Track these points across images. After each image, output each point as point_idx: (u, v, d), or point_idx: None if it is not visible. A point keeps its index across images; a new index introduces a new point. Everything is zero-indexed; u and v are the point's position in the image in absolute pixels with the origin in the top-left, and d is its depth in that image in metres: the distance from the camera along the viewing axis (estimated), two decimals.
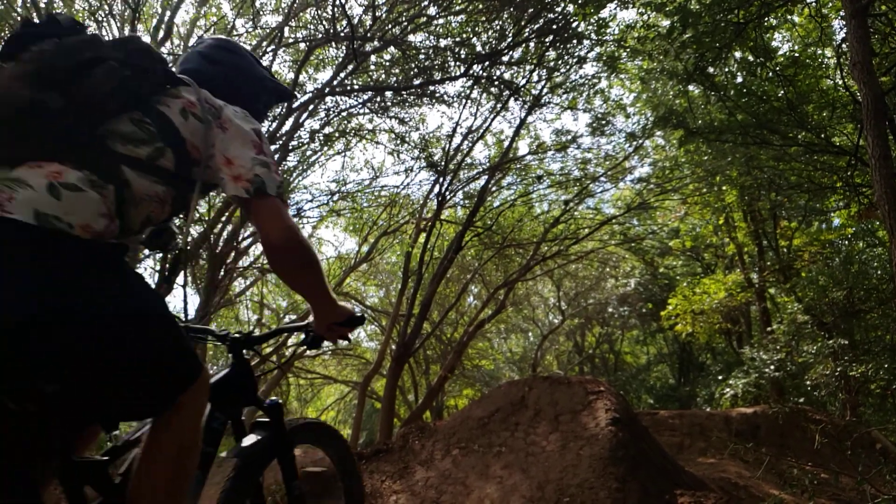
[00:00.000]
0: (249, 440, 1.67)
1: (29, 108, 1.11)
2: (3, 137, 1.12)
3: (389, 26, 9.24)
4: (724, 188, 10.83)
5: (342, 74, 9.62)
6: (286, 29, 9.52)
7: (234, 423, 1.69)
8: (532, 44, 9.57)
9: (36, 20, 1.30)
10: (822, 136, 7.69)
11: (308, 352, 12.54)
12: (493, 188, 12.06)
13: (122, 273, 1.19)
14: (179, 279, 8.59)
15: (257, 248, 11.09)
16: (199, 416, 1.34)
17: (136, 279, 1.22)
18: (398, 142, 11.27)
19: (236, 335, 1.69)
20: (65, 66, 1.17)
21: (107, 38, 1.30)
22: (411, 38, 9.60)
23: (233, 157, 1.32)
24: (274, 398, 1.76)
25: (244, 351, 1.70)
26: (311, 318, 1.58)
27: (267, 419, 1.74)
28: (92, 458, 1.34)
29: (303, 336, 1.71)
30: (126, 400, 1.22)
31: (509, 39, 9.29)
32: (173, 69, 1.43)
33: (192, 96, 1.35)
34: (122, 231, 1.23)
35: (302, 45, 9.86)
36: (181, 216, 1.48)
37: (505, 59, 9.68)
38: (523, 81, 10.19)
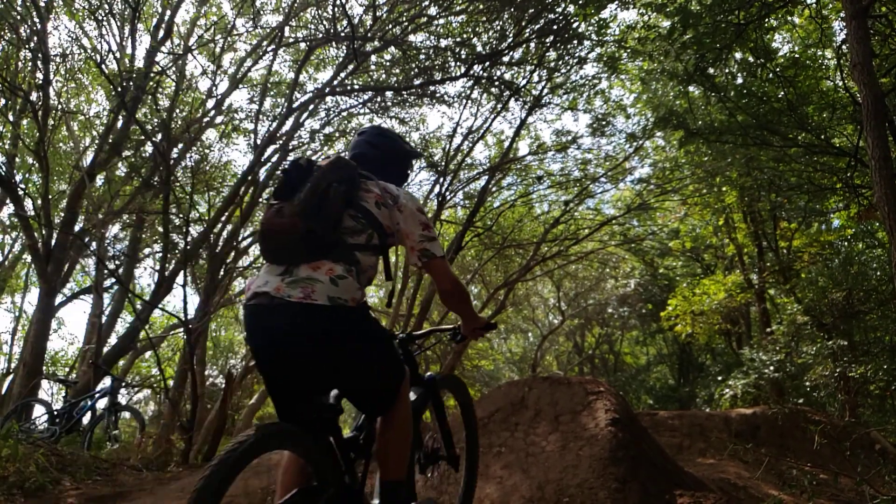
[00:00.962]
0: (411, 395, 2.28)
1: (307, 233, 1.80)
2: (289, 251, 1.82)
3: (390, 26, 9.23)
4: (724, 189, 10.82)
5: (342, 74, 9.61)
6: (286, 29, 9.51)
7: None
8: (532, 44, 9.56)
9: (289, 167, 1.95)
10: (823, 137, 7.68)
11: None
12: (494, 188, 12.06)
13: (372, 320, 1.92)
14: (179, 279, 8.62)
15: (256, 248, 11.07)
16: (409, 396, 2.08)
17: (376, 322, 1.96)
18: None
19: (402, 335, 2.38)
20: (316, 199, 1.84)
21: (324, 163, 1.94)
22: (412, 38, 9.59)
23: (409, 232, 2.00)
24: (430, 373, 2.50)
25: (408, 345, 2.39)
26: (459, 324, 2.43)
27: (419, 379, 2.40)
28: (351, 434, 2.06)
29: (450, 335, 2.49)
30: (379, 393, 1.96)
31: (510, 40, 9.28)
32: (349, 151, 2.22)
33: (376, 189, 2.00)
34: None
35: (302, 45, 9.85)
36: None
37: (505, 59, 9.67)
38: (524, 82, 10.18)
